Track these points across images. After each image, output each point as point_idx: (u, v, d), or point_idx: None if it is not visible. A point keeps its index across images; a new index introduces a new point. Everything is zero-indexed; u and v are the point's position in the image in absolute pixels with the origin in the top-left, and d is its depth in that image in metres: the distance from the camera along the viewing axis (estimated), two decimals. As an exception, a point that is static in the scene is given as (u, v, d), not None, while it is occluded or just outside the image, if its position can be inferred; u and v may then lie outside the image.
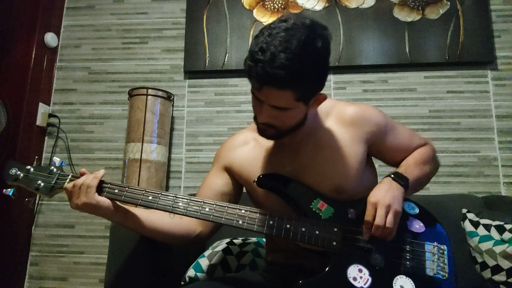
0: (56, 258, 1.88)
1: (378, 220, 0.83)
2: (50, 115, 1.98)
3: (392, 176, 0.91)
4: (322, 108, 0.95)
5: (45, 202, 1.94)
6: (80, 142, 1.98)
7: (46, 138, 2.00)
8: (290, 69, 0.74)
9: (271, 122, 0.85)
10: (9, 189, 0.94)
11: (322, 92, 0.85)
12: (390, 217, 0.83)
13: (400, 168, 0.96)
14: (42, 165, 0.96)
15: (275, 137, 0.90)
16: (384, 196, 0.85)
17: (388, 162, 1.03)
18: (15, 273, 1.82)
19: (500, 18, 1.86)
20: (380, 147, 0.98)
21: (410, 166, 0.95)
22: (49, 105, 2.01)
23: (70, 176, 0.94)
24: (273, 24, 0.79)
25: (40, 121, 1.93)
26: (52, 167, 0.95)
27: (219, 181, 1.03)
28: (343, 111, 0.96)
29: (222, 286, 0.91)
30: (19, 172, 0.94)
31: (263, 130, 0.89)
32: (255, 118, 0.89)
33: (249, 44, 1.88)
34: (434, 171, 1.04)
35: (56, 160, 0.97)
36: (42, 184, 0.93)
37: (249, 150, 1.02)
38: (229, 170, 1.03)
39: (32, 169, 0.95)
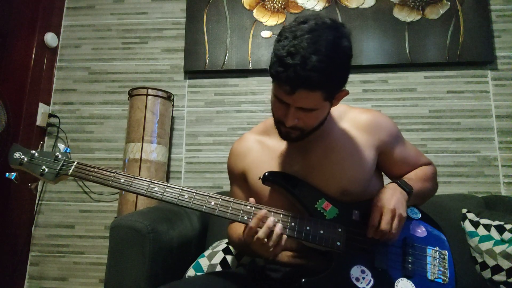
0: (56, 258, 1.88)
1: (384, 226, 0.84)
2: (50, 115, 1.98)
3: (398, 182, 0.92)
4: (336, 111, 0.96)
5: (45, 202, 1.94)
6: (80, 142, 1.98)
7: (46, 138, 2.00)
8: (323, 71, 0.73)
9: (296, 124, 0.84)
10: (12, 173, 0.92)
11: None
12: (395, 222, 0.84)
13: (404, 178, 0.97)
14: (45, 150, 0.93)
15: (299, 139, 0.89)
16: (389, 200, 0.86)
17: (391, 174, 1.03)
18: (15, 273, 1.81)
19: (500, 18, 1.86)
20: (388, 157, 0.98)
21: (412, 179, 0.96)
22: (49, 105, 2.01)
23: (75, 163, 0.92)
24: (292, 26, 0.77)
25: (40, 121, 1.93)
26: (58, 153, 0.93)
27: (244, 195, 1.03)
28: (359, 117, 0.97)
29: (220, 281, 0.91)
30: (23, 156, 0.92)
31: (287, 133, 0.88)
32: (278, 122, 0.88)
33: (250, 44, 1.92)
34: (433, 191, 1.05)
35: (61, 146, 0.95)
36: (47, 169, 0.91)
37: (256, 153, 1.01)
38: (245, 177, 1.02)
39: (36, 154, 0.93)
